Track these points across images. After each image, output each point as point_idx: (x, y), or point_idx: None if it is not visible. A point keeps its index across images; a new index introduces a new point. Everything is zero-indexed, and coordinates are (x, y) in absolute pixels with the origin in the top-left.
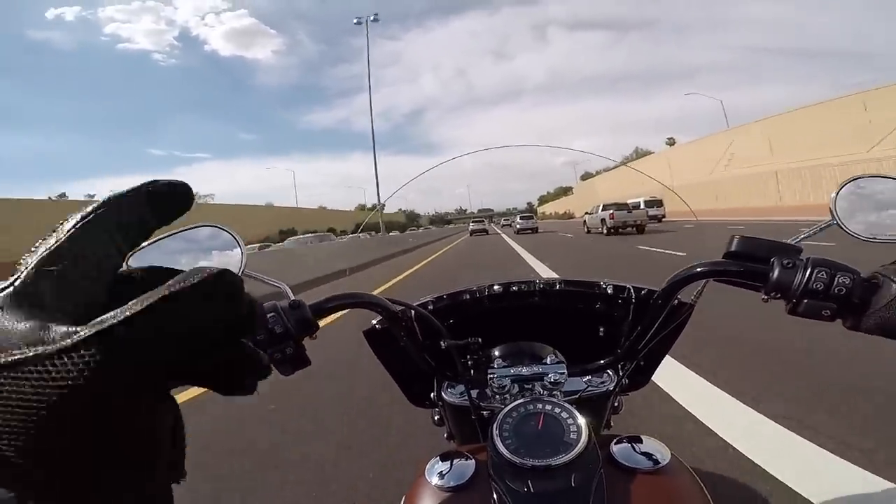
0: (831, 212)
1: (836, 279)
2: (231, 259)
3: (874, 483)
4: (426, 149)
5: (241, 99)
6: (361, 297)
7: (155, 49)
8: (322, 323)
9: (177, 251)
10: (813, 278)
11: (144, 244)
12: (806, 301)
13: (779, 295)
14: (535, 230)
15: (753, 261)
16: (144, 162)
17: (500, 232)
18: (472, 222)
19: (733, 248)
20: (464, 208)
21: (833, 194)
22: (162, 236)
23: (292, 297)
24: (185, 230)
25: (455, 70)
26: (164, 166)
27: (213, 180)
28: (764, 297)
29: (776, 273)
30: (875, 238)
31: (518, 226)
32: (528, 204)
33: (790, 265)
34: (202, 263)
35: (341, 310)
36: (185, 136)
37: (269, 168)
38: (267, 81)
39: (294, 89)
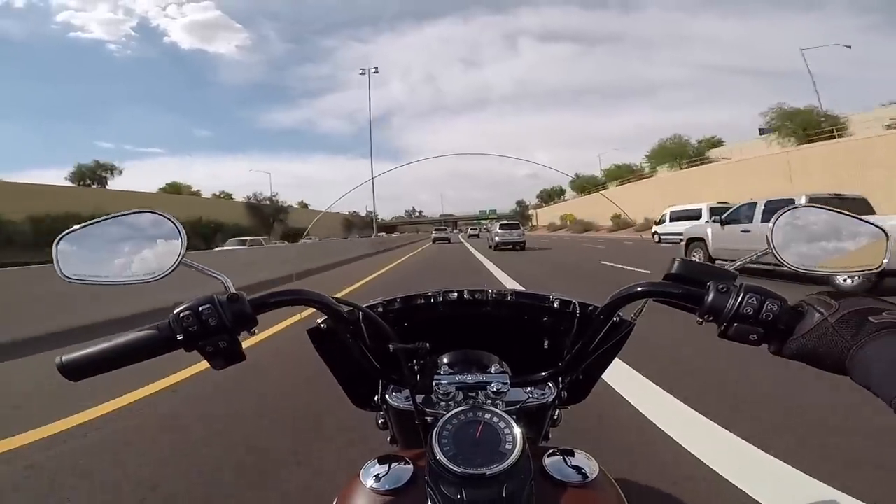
0: (768, 240)
1: (766, 305)
2: (171, 247)
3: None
4: (391, 154)
5: (199, 94)
6: (306, 295)
7: (110, 39)
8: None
9: (119, 238)
10: (744, 303)
11: (77, 227)
12: (736, 325)
13: (711, 318)
14: (520, 246)
15: (692, 284)
16: (91, 154)
17: (465, 243)
18: (436, 230)
19: (673, 270)
20: (419, 210)
21: (771, 223)
22: (101, 219)
23: (232, 290)
24: (126, 215)
25: (424, 76)
26: (111, 159)
27: (167, 175)
28: (698, 320)
29: (711, 297)
30: (805, 268)
31: (497, 238)
32: (517, 205)
33: (724, 290)
34: (144, 252)
35: (284, 306)
36: (138, 131)
37: (252, 170)
38: (228, 77)
39: (256, 87)
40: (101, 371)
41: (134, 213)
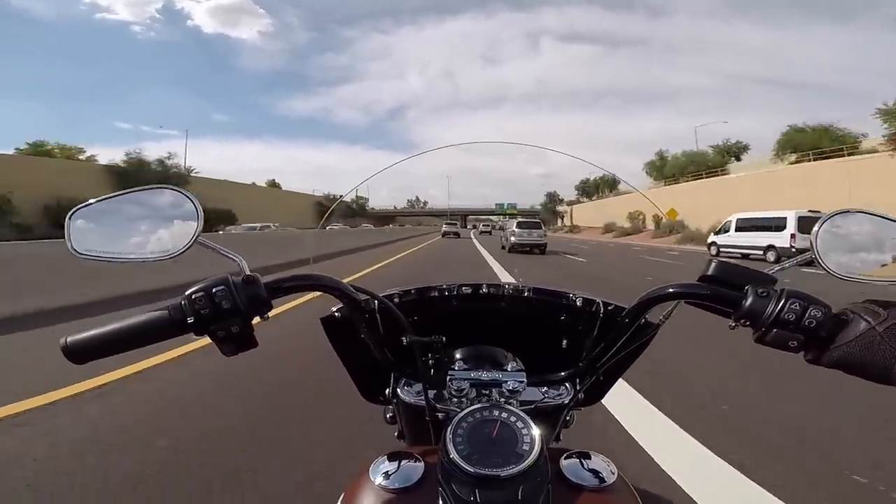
0: (812, 245)
1: (809, 312)
2: (187, 228)
3: None
4: (405, 146)
5: (219, 78)
6: (322, 280)
7: (134, 21)
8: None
9: (135, 214)
10: (786, 309)
11: (93, 200)
12: (775, 330)
13: (748, 322)
14: (540, 249)
15: (728, 287)
16: (109, 133)
17: (474, 240)
18: (447, 223)
19: (710, 272)
20: (424, 201)
21: (816, 227)
22: (117, 194)
23: (248, 272)
24: (143, 190)
25: (443, 70)
26: (128, 139)
27: (184, 156)
28: (732, 324)
29: (749, 300)
30: (848, 276)
31: (514, 238)
32: (547, 199)
33: (764, 294)
34: (160, 232)
35: (299, 291)
36: (156, 112)
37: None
38: (249, 63)
39: (276, 74)
40: (106, 354)
41: (151, 188)
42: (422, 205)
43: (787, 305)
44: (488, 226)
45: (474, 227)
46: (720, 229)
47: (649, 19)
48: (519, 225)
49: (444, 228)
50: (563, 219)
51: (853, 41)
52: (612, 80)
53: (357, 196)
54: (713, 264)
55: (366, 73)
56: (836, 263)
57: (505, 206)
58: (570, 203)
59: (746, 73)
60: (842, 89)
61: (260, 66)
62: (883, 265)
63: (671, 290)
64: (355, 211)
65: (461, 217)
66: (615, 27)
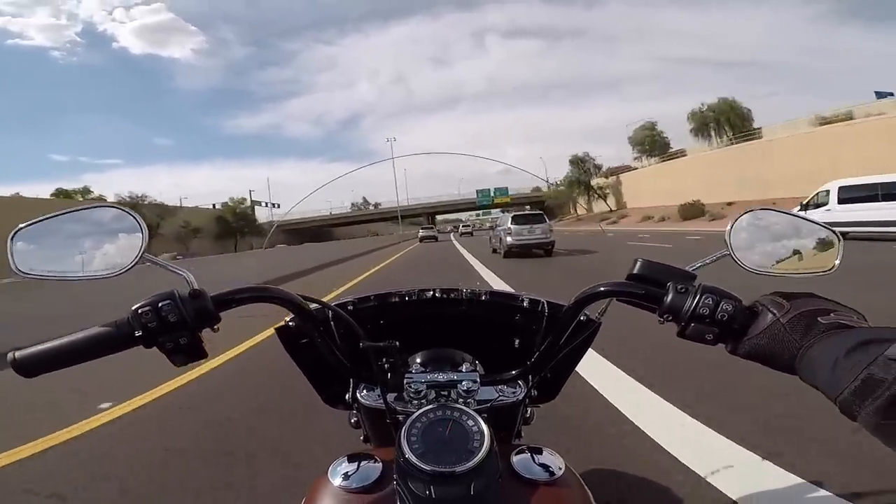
0: (726, 243)
1: (721, 305)
2: (132, 243)
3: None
4: (363, 155)
5: (157, 101)
6: (271, 293)
7: (53, 46)
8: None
9: (78, 233)
10: (700, 304)
11: (33, 222)
12: (693, 325)
13: (671, 317)
14: (546, 250)
15: (653, 284)
16: (44, 168)
17: (456, 244)
18: (423, 228)
19: (636, 270)
20: (375, 203)
21: (729, 226)
22: (57, 213)
23: (195, 286)
24: (85, 209)
25: (394, 76)
26: (67, 172)
27: (128, 186)
28: (659, 319)
29: (670, 297)
30: (761, 271)
31: (511, 238)
32: (575, 168)
33: (682, 290)
34: (105, 247)
35: (247, 303)
36: (93, 142)
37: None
38: (187, 83)
39: (218, 92)
40: (57, 367)
41: (92, 207)
42: (373, 206)
43: (702, 300)
44: (469, 226)
45: (455, 228)
46: (809, 203)
47: (586, 9)
48: (515, 220)
49: (421, 234)
50: (601, 197)
51: (767, 21)
52: (559, 73)
53: (252, 201)
54: (639, 263)
55: (313, 85)
56: (749, 260)
57: (492, 194)
58: (614, 172)
59: (682, 56)
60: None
61: (199, 86)
62: (785, 259)
63: (602, 288)
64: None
65: (426, 217)
66: (555, 20)
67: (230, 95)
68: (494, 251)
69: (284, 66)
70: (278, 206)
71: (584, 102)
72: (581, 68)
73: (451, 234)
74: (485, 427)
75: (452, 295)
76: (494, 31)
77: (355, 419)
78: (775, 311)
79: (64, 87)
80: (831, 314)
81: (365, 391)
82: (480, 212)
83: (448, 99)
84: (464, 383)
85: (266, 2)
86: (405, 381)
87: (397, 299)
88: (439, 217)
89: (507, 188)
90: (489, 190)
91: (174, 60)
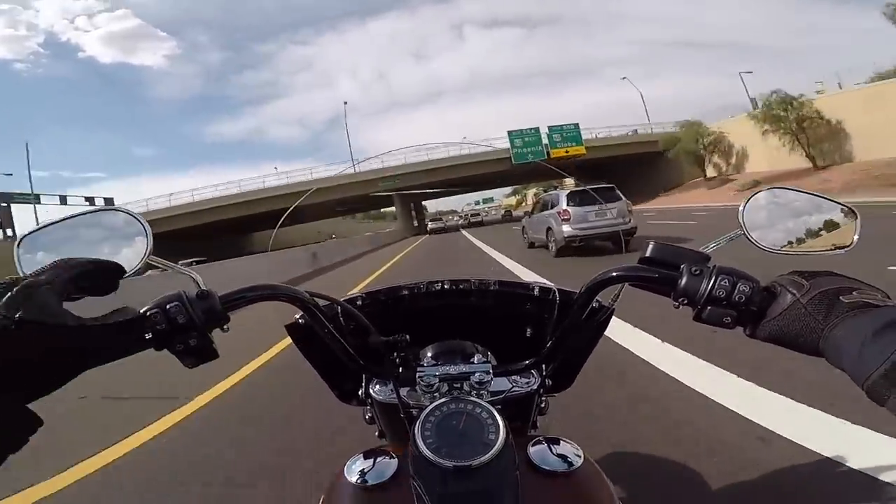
0: (740, 223)
1: (738, 287)
2: (137, 246)
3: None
4: (349, 154)
5: (133, 110)
6: (280, 290)
7: (15, 58)
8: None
9: (83, 236)
10: (716, 286)
11: (40, 226)
12: (709, 308)
13: (686, 301)
14: (625, 238)
15: (665, 267)
16: (22, 183)
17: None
18: (431, 220)
19: (648, 253)
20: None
21: (741, 206)
22: (63, 218)
23: (202, 287)
24: (89, 213)
25: (375, 74)
26: (47, 187)
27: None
28: (674, 304)
29: (684, 280)
30: (777, 250)
31: (570, 229)
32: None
33: (697, 272)
34: (107, 250)
35: (256, 302)
36: (73, 155)
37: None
38: (161, 91)
39: (194, 98)
40: None
41: (97, 210)
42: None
43: (718, 282)
44: (478, 215)
45: (464, 217)
46: None
47: None
48: (573, 198)
49: (430, 226)
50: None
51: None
52: (538, 61)
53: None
54: (651, 246)
55: (292, 86)
56: (764, 239)
57: (543, 142)
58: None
59: (661, 39)
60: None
61: (174, 93)
62: (800, 238)
63: (614, 273)
64: None
65: (413, 204)
66: (531, 8)
67: (209, 101)
68: (532, 246)
69: (261, 68)
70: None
71: (564, 89)
72: (559, 55)
73: (427, 226)
74: (499, 419)
75: (461, 286)
76: (472, 22)
77: (369, 415)
78: (795, 291)
79: (34, 101)
80: (854, 292)
81: (378, 386)
82: (481, 199)
83: (431, 93)
84: (476, 375)
85: (240, 5)
86: (417, 375)
87: (406, 292)
88: (428, 204)
89: (576, 127)
90: (523, 141)
91: (146, 68)
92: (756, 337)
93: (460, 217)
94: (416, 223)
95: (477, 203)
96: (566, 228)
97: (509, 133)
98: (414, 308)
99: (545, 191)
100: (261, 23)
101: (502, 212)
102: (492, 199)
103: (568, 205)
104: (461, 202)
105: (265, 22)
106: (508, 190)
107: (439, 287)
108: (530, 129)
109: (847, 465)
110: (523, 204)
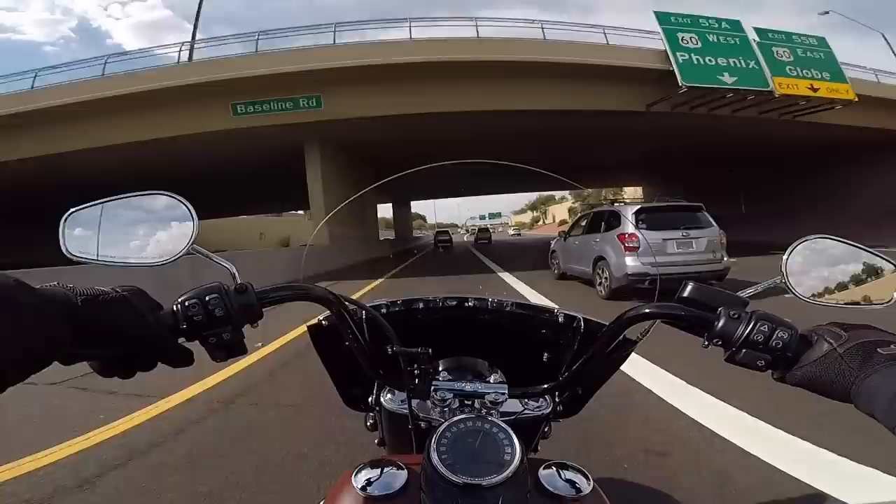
0: (781, 271)
1: (776, 333)
2: (183, 232)
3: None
4: None
5: None
6: (313, 291)
7: (47, 41)
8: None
9: (132, 220)
10: (755, 330)
11: (86, 205)
12: (745, 350)
13: (720, 343)
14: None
15: (702, 308)
16: None
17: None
18: (439, 232)
19: (686, 294)
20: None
21: (785, 256)
22: (113, 198)
23: (239, 281)
24: (139, 196)
25: None
26: None
27: None
28: (705, 343)
29: (721, 322)
30: (816, 301)
31: (632, 263)
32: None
33: (736, 316)
34: (158, 234)
35: (289, 301)
36: None
37: None
38: None
39: None
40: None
41: (147, 194)
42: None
43: (757, 327)
44: (487, 231)
45: (469, 233)
46: None
47: None
48: (643, 218)
49: (439, 238)
50: None
51: None
52: None
53: None
54: (689, 287)
55: None
56: (804, 288)
57: (729, 57)
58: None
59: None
60: None
61: None
62: (845, 289)
63: (648, 310)
64: None
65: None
66: None
67: None
68: (564, 277)
69: None
70: None
71: None
72: None
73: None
74: (516, 440)
75: (478, 304)
76: None
77: (372, 421)
78: (832, 341)
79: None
80: (891, 346)
81: (389, 395)
82: (487, 214)
83: None
84: (491, 395)
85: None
86: (432, 389)
87: (423, 305)
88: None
89: (823, 42)
90: (732, 31)
91: (171, 58)
92: (785, 381)
93: (466, 231)
94: (395, 232)
95: (482, 217)
96: (629, 262)
97: (661, 18)
98: (428, 320)
99: (592, 206)
100: (279, 26)
101: (511, 231)
102: (499, 215)
103: (638, 226)
104: (460, 211)
105: (292, 23)
106: (517, 204)
107: (456, 303)
108: (718, 19)
109: None
110: (540, 223)
